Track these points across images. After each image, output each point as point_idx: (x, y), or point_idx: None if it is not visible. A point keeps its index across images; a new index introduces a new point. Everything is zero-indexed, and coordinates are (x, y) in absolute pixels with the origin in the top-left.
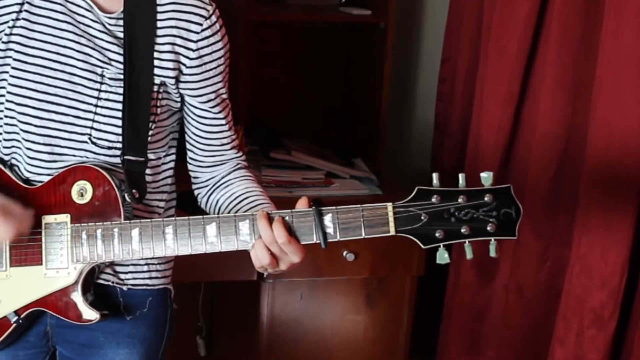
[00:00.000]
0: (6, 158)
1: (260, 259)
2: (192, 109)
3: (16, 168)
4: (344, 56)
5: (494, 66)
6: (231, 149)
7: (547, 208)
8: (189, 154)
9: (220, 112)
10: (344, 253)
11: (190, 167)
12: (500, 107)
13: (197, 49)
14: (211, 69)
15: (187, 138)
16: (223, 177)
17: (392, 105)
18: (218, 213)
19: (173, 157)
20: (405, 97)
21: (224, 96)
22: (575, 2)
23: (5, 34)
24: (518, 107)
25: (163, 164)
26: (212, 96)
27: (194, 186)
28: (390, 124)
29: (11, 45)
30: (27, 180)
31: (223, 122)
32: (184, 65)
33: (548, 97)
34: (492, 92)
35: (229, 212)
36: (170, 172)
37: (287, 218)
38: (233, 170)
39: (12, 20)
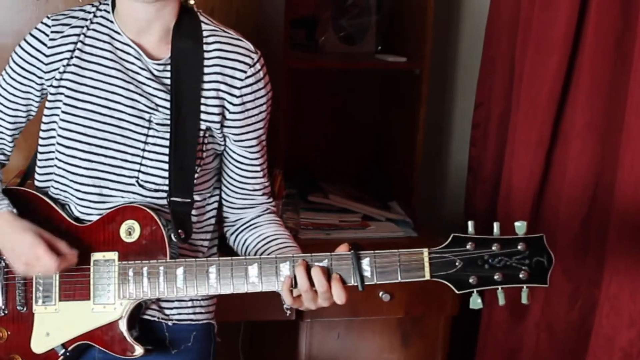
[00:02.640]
0: (58, 197)
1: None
2: (230, 152)
3: (67, 207)
4: (380, 102)
5: (525, 112)
6: (263, 194)
7: (578, 250)
8: (222, 194)
9: (257, 158)
10: (380, 293)
11: (221, 207)
12: (532, 152)
13: (241, 95)
14: (253, 115)
15: (222, 179)
16: (252, 219)
17: (427, 149)
18: (245, 253)
19: (217, 198)
20: (440, 142)
21: (264, 143)
22: (604, 49)
23: (56, 79)
24: (549, 152)
25: (207, 204)
26: (254, 142)
27: (223, 225)
28: (425, 168)
29: (62, 90)
30: (77, 218)
31: (258, 168)
32: (227, 110)
33: (578, 142)
34: (524, 137)
35: (256, 253)
36: (214, 213)
37: (325, 261)
38: (262, 214)
39: (63, 65)
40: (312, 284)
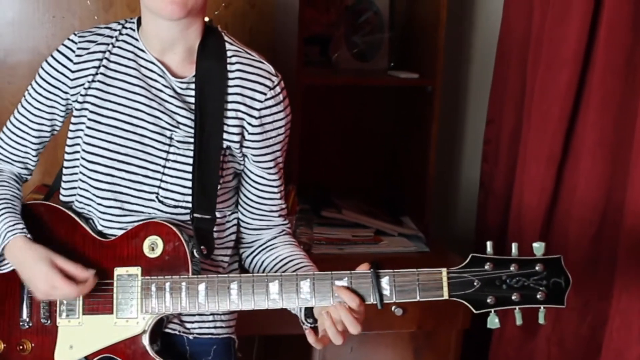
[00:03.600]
0: (82, 211)
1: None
2: (249, 172)
3: (91, 221)
4: (393, 118)
5: (536, 128)
6: (279, 216)
7: (588, 265)
8: (239, 215)
9: (275, 179)
10: (393, 308)
11: (237, 227)
12: (543, 168)
13: (259, 117)
14: (271, 137)
15: (239, 200)
16: (268, 240)
17: (439, 165)
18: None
19: (237, 215)
20: (452, 158)
21: (281, 165)
22: (615, 66)
23: (81, 94)
24: (560, 168)
25: (227, 222)
26: (271, 164)
27: (239, 246)
28: (437, 184)
29: (86, 105)
30: (100, 233)
31: (275, 189)
32: (247, 130)
33: (589, 158)
34: (535, 153)
35: (275, 273)
36: (234, 229)
37: (345, 279)
38: (278, 235)
39: (89, 82)
40: (334, 319)
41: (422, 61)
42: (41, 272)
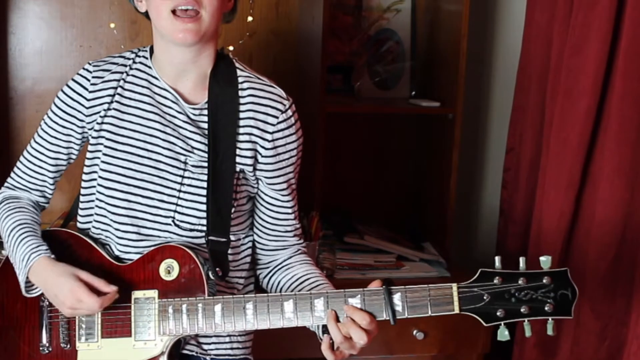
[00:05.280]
0: (99, 237)
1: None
2: (263, 195)
3: (108, 246)
4: (414, 145)
5: (555, 156)
6: (294, 236)
7: (606, 289)
8: (255, 236)
9: (288, 201)
10: (414, 332)
11: (253, 249)
12: (562, 194)
13: (272, 140)
14: (284, 160)
15: (254, 222)
16: (284, 260)
17: (460, 191)
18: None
19: (251, 238)
20: (472, 184)
21: (294, 186)
22: (632, 95)
23: (98, 123)
24: (578, 194)
25: (242, 244)
26: (284, 185)
27: (256, 267)
28: (457, 210)
29: (103, 133)
30: (117, 258)
31: (289, 210)
32: (260, 154)
33: (606, 185)
34: (554, 180)
35: (291, 292)
36: (249, 252)
37: (358, 296)
38: (294, 255)
39: (104, 110)
40: (344, 334)
41: (443, 89)
42: (67, 286)
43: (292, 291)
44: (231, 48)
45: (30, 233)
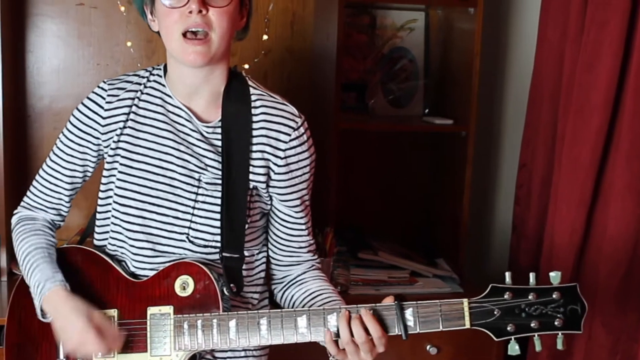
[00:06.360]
0: (114, 253)
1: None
2: (276, 211)
3: (124, 263)
4: (428, 162)
5: (567, 173)
6: (308, 252)
7: (618, 305)
8: (269, 252)
9: (302, 217)
10: (428, 347)
11: (268, 265)
12: (574, 211)
13: (285, 157)
14: (297, 177)
15: (268, 238)
16: (298, 276)
17: (473, 208)
18: (293, 308)
19: (265, 254)
20: (485, 201)
21: (307, 202)
22: None
23: (114, 141)
24: (590, 211)
25: (256, 260)
26: (298, 202)
27: (270, 282)
28: (470, 226)
29: (119, 151)
30: (133, 274)
31: (303, 226)
32: (273, 171)
33: (618, 201)
34: (566, 196)
35: (302, 307)
36: (263, 267)
37: (371, 312)
38: (308, 271)
39: (120, 128)
40: (352, 335)
41: (456, 107)
42: (77, 325)
43: (304, 306)
44: (246, 66)
45: (45, 259)
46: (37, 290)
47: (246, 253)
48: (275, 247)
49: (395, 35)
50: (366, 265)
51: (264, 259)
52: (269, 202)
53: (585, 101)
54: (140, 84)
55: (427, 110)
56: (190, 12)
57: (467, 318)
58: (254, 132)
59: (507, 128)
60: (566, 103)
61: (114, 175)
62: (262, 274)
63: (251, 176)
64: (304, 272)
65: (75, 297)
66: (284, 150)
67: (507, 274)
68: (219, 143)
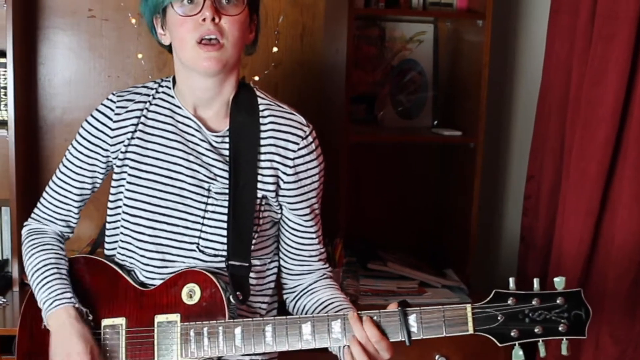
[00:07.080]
0: (124, 263)
1: (357, 358)
2: (286, 220)
3: (133, 272)
4: (436, 173)
5: (575, 184)
6: (319, 260)
7: (625, 314)
8: (280, 261)
9: (312, 226)
10: (436, 356)
11: (280, 274)
12: (581, 221)
13: (294, 166)
14: (306, 185)
15: (279, 247)
16: (310, 285)
17: (481, 219)
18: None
19: (277, 263)
20: (494, 212)
21: (317, 211)
22: None
23: (122, 152)
24: (598, 221)
25: (267, 269)
26: (307, 210)
27: (282, 291)
28: (479, 237)
29: (127, 162)
30: (142, 283)
31: (313, 235)
32: (282, 180)
33: (625, 212)
34: (574, 207)
35: (309, 315)
36: (274, 277)
37: (375, 318)
38: (319, 279)
39: (128, 139)
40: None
41: (465, 119)
42: (77, 348)
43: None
44: (257, 78)
45: (56, 275)
46: (44, 306)
47: (258, 262)
48: (286, 256)
49: (405, 48)
50: (375, 276)
51: (275, 269)
52: (279, 211)
53: (593, 114)
54: (149, 95)
55: (436, 122)
56: (204, 19)
57: (470, 323)
58: (263, 142)
59: (515, 139)
60: (574, 116)
61: (123, 186)
62: (272, 284)
63: (260, 185)
64: (316, 281)
65: (82, 323)
66: (292, 159)
67: (511, 280)
68: (228, 152)
